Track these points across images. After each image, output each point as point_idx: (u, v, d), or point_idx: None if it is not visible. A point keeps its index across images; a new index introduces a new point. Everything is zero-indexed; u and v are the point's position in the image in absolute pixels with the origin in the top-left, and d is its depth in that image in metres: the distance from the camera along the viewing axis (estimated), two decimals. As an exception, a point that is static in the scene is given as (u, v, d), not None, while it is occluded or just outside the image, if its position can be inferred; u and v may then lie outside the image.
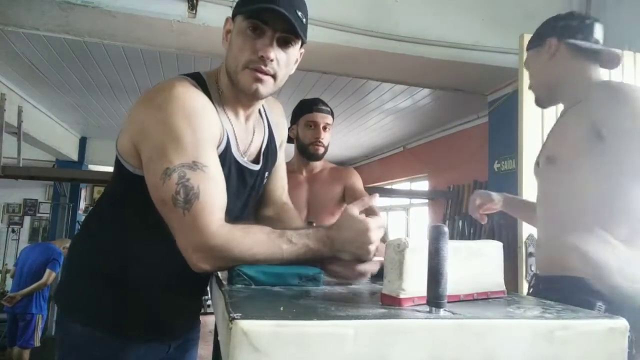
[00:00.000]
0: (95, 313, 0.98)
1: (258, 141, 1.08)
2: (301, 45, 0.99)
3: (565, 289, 1.14)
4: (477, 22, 2.65)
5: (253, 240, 0.82)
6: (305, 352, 0.53)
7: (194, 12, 2.26)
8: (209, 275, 1.06)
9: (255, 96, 0.95)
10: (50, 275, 4.16)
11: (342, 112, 4.44)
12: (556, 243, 1.24)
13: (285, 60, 0.95)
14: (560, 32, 1.32)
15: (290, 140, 2.08)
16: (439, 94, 3.95)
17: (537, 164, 1.39)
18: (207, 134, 0.88)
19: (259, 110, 1.10)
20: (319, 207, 2.04)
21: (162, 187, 0.83)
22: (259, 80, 0.93)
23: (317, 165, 2.10)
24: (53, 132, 5.50)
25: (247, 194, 1.07)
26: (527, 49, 1.42)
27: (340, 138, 5.65)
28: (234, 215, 1.01)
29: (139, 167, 0.91)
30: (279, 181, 1.23)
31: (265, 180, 1.11)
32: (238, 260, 0.81)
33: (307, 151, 2.02)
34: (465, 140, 4.62)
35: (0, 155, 3.66)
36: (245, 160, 1.02)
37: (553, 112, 1.81)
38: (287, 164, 2.04)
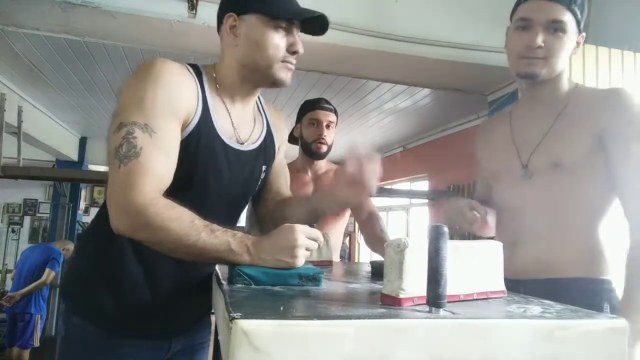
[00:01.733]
0: (94, 308, 1.00)
1: (258, 132, 1.12)
2: None
3: (574, 291, 1.15)
4: (478, 22, 2.65)
5: (175, 216, 0.82)
6: (306, 352, 0.53)
7: (194, 12, 2.26)
8: (211, 275, 1.06)
9: (284, 85, 1.03)
10: (49, 275, 4.15)
11: (342, 112, 4.44)
12: (564, 246, 1.21)
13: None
14: None
15: (294, 140, 2.07)
16: (439, 94, 3.95)
17: (524, 166, 1.26)
18: (170, 105, 0.91)
19: (259, 108, 1.17)
20: None
21: (112, 138, 0.87)
22: (290, 72, 1.03)
23: (322, 165, 2.08)
24: (53, 132, 5.50)
25: (244, 179, 1.09)
26: None
27: (341, 138, 5.65)
28: (230, 198, 1.06)
29: None
30: (282, 178, 1.25)
31: (263, 174, 1.13)
32: (154, 229, 0.82)
33: (310, 149, 2.00)
34: (465, 140, 4.62)
35: (0, 155, 3.66)
36: (232, 141, 1.04)
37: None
38: (291, 164, 2.04)
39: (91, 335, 0.98)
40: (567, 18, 1.16)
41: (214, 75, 1.04)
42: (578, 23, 1.19)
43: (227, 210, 1.08)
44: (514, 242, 1.24)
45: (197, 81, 0.99)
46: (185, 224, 0.82)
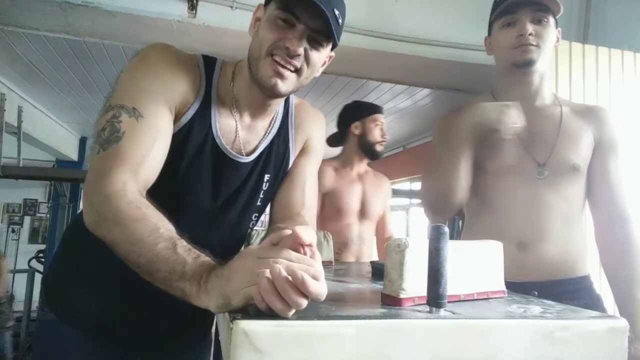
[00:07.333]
0: (78, 312, 0.94)
1: (263, 140, 0.99)
2: (332, 48, 0.92)
3: (587, 288, 1.28)
4: (477, 22, 2.63)
5: (138, 216, 0.68)
6: (306, 352, 0.53)
7: (194, 12, 2.25)
8: None
9: (273, 91, 0.87)
10: None
11: (342, 112, 4.45)
12: (576, 245, 1.27)
13: (313, 60, 0.87)
14: None
15: (339, 138, 2.09)
16: (439, 94, 3.94)
17: (540, 165, 1.25)
18: (163, 91, 0.84)
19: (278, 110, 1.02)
20: (371, 210, 2.05)
21: (99, 121, 0.81)
22: (280, 75, 0.85)
23: (362, 165, 2.12)
24: (53, 132, 5.49)
25: (236, 191, 0.96)
26: None
27: (340, 138, 5.65)
28: (219, 209, 0.95)
29: None
30: (298, 193, 1.01)
31: (266, 184, 0.99)
32: (111, 225, 0.69)
33: (373, 149, 2.04)
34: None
35: (0, 155, 3.66)
36: (228, 149, 0.92)
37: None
38: (332, 160, 2.05)
39: (72, 339, 0.92)
40: (548, 9, 1.21)
41: (233, 74, 0.94)
42: (554, 18, 1.25)
43: (217, 223, 0.96)
44: (523, 242, 1.24)
45: (203, 74, 0.91)
46: (146, 228, 0.66)
